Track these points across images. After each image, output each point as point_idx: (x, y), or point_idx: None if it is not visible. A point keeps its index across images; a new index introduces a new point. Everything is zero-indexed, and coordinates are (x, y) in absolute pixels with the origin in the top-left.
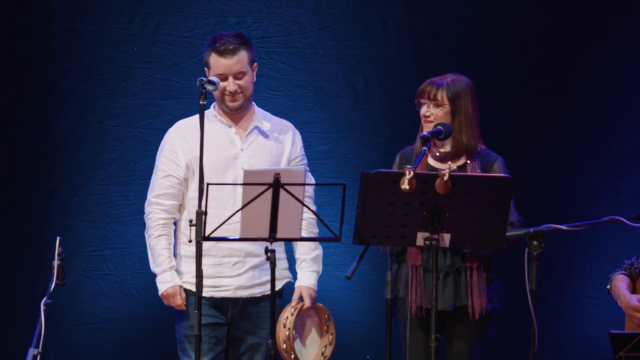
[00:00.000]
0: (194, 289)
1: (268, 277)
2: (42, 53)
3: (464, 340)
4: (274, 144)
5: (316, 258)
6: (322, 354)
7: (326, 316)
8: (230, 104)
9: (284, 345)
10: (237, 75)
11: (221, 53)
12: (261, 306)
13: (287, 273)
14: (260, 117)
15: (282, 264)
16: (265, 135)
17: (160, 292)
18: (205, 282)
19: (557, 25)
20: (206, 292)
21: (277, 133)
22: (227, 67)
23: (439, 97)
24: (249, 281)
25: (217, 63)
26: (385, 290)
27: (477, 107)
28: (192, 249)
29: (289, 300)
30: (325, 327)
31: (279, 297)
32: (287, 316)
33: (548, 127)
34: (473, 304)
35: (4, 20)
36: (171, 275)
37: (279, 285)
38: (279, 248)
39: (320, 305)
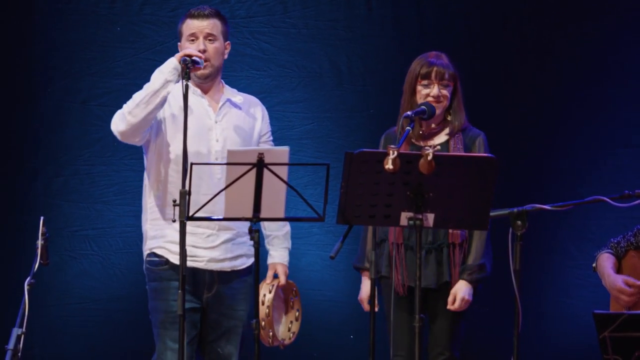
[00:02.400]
0: (169, 257)
1: (240, 252)
2: (25, 32)
3: (446, 318)
4: (245, 117)
5: (286, 234)
6: (289, 329)
7: (293, 292)
8: (197, 72)
9: (262, 323)
10: (208, 37)
11: (195, 16)
12: (236, 288)
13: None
14: (231, 91)
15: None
16: (238, 107)
17: (173, 60)
18: (177, 248)
19: (541, 3)
20: (176, 260)
21: (247, 107)
22: (199, 28)
23: (447, 77)
24: (221, 254)
25: (189, 25)
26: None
27: None
28: (163, 211)
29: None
30: (291, 303)
31: (251, 276)
32: (265, 294)
33: (532, 106)
34: (453, 281)
35: None
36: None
37: (248, 263)
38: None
39: (290, 281)
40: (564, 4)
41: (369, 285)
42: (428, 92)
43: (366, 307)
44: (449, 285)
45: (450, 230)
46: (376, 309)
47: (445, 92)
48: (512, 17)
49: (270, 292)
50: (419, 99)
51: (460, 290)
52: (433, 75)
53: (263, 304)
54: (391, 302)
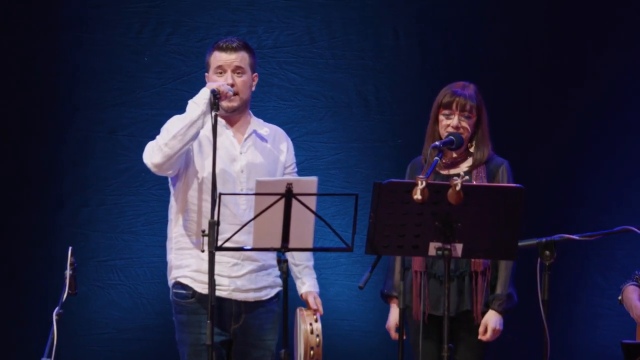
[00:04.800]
0: (195, 286)
1: (264, 284)
2: (52, 62)
3: (468, 348)
4: (271, 149)
5: (313, 265)
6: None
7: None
8: (225, 104)
9: (311, 352)
10: (236, 70)
11: (223, 49)
12: (263, 318)
13: (280, 280)
14: (258, 123)
15: (276, 271)
16: (263, 139)
17: (207, 90)
18: (202, 277)
19: (567, 32)
20: (202, 289)
21: (273, 139)
22: (226, 61)
23: (468, 109)
24: (245, 284)
25: (217, 57)
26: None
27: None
28: (188, 240)
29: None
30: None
31: (277, 305)
32: (311, 322)
33: (558, 135)
34: (477, 310)
35: (15, 29)
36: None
37: (272, 293)
38: (272, 255)
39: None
40: (589, 33)
41: (397, 314)
42: (449, 123)
43: (394, 335)
44: (469, 314)
45: (473, 260)
46: (405, 337)
47: (465, 123)
48: (538, 46)
49: (317, 321)
50: (441, 129)
51: (492, 321)
52: (454, 105)
53: (312, 332)
54: (418, 331)
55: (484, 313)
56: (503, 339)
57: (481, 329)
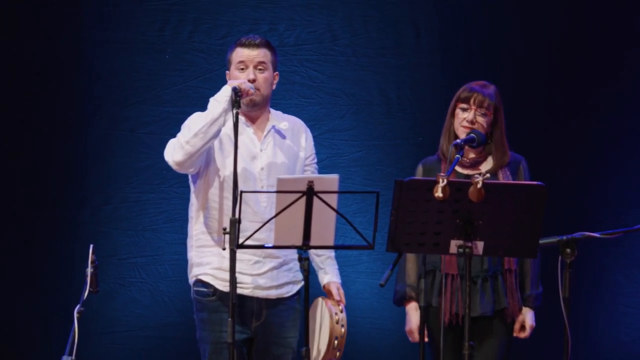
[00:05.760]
0: (216, 284)
1: (285, 280)
2: (74, 60)
3: (493, 344)
4: (290, 144)
5: (334, 255)
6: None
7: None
8: (244, 99)
9: (335, 342)
10: (257, 66)
11: (245, 45)
12: (284, 316)
13: (301, 276)
14: (276, 116)
15: (296, 265)
16: (282, 135)
17: (228, 88)
18: (223, 275)
19: (587, 31)
20: (223, 287)
21: (292, 132)
22: (249, 57)
23: (485, 105)
24: (267, 282)
25: (239, 53)
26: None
27: None
28: (209, 238)
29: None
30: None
31: (298, 303)
32: (336, 312)
33: (580, 132)
34: (513, 308)
35: (36, 28)
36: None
37: (293, 290)
38: (293, 250)
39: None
40: (609, 34)
41: (418, 316)
42: (465, 117)
43: (416, 338)
44: (503, 312)
45: (506, 258)
46: (426, 339)
47: (481, 119)
48: (559, 43)
49: (342, 311)
50: (456, 123)
51: (529, 318)
52: (472, 100)
53: (338, 322)
54: (441, 332)
55: (515, 309)
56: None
57: (517, 326)
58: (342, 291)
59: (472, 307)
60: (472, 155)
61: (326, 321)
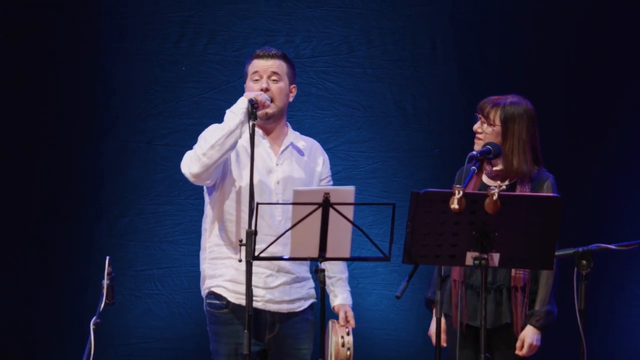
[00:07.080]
0: (229, 296)
1: (297, 296)
2: (90, 72)
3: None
4: (307, 162)
5: (347, 277)
6: None
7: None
8: (259, 111)
9: None
10: (271, 76)
11: (260, 56)
12: (298, 328)
13: (313, 292)
14: (295, 135)
15: (309, 283)
16: (300, 152)
17: (244, 100)
18: (236, 287)
19: (603, 40)
20: (236, 299)
21: (309, 151)
22: (263, 67)
23: (490, 117)
24: (279, 296)
25: (254, 64)
26: (436, 310)
27: (535, 133)
28: (224, 249)
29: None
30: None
31: (312, 314)
32: (342, 335)
33: (597, 143)
34: (517, 325)
35: (53, 41)
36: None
37: (305, 305)
38: (305, 268)
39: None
40: (626, 43)
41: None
42: (474, 127)
43: (434, 342)
44: (508, 328)
45: (513, 274)
46: (445, 345)
47: (487, 129)
48: (576, 55)
49: (348, 334)
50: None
51: (529, 337)
52: (478, 108)
53: (343, 345)
54: (456, 340)
55: (523, 328)
56: (540, 349)
57: (518, 344)
58: (350, 313)
59: (472, 315)
60: (500, 166)
61: (332, 344)
